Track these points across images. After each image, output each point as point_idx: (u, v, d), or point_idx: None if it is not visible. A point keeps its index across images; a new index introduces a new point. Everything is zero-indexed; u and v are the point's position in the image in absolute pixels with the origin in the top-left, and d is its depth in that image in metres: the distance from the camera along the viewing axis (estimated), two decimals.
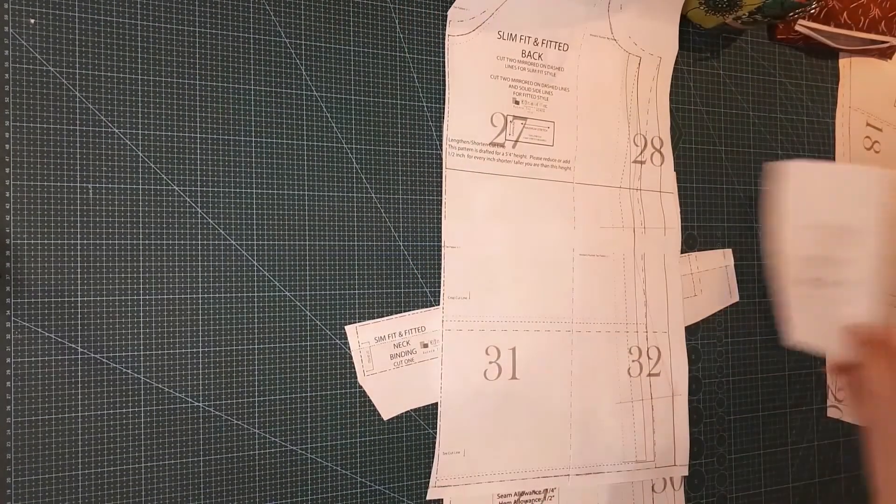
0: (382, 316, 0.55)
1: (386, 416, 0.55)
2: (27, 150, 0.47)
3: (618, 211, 0.63)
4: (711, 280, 0.67)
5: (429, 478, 0.56)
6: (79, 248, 0.48)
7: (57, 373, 0.47)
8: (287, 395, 0.53)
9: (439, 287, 0.57)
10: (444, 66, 0.58)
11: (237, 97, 0.52)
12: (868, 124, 0.77)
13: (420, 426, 0.56)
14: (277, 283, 0.52)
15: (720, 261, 0.68)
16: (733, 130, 0.69)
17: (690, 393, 0.65)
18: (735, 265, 0.68)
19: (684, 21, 0.66)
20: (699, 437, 0.66)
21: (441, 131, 0.57)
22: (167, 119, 0.50)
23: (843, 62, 0.75)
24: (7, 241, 0.46)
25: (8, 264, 0.46)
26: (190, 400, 0.50)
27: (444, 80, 0.58)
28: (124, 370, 0.48)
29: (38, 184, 0.47)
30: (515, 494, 0.59)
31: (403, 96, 0.57)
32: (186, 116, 0.51)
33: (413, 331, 0.56)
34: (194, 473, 0.50)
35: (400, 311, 0.56)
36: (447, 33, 0.58)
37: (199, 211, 0.51)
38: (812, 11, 0.67)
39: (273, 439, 0.52)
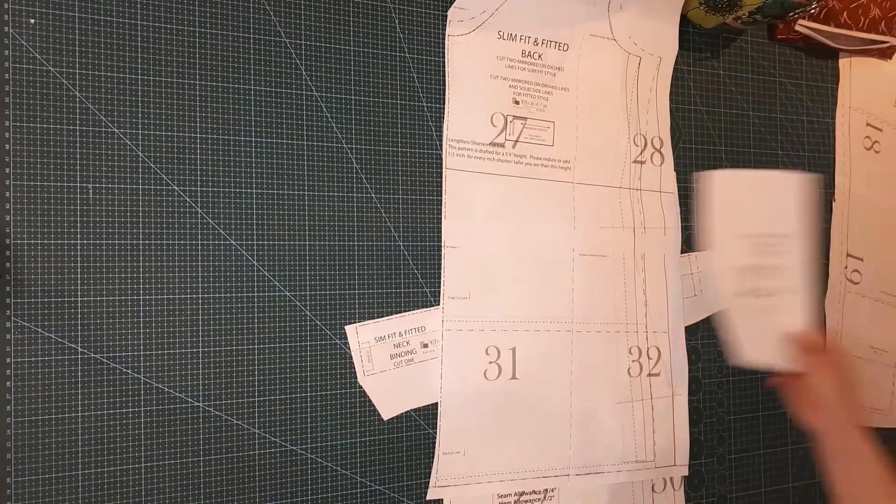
0: (382, 316, 0.55)
1: (386, 416, 0.55)
2: (27, 150, 0.47)
3: (618, 211, 0.63)
4: (711, 280, 0.67)
5: (429, 478, 0.56)
6: (79, 248, 0.48)
7: (57, 373, 0.47)
8: (287, 395, 0.53)
9: (439, 287, 0.57)
10: (444, 66, 0.58)
11: (237, 97, 0.52)
12: (868, 124, 0.77)
13: (420, 426, 0.56)
14: (277, 283, 0.52)
15: None
16: (733, 130, 0.69)
17: (690, 393, 0.65)
18: None
19: (684, 21, 0.66)
20: (699, 437, 0.66)
21: (441, 131, 0.57)
22: (167, 119, 0.50)
23: (843, 62, 0.75)
24: (7, 241, 0.46)
25: (8, 264, 0.46)
26: (190, 400, 0.50)
27: (444, 80, 0.58)
28: (124, 370, 0.48)
29: (38, 184, 0.47)
30: (515, 494, 0.59)
31: (403, 96, 0.57)
32: (186, 116, 0.50)
33: (413, 331, 0.56)
34: (194, 473, 0.50)
35: (400, 311, 0.56)
36: (447, 33, 0.58)
37: (199, 211, 0.51)
38: (812, 11, 0.67)
39: (273, 439, 0.52)
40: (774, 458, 0.70)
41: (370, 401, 0.55)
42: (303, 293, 0.53)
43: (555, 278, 0.60)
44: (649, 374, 0.63)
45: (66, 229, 0.47)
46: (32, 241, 0.47)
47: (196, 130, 0.51)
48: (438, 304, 0.57)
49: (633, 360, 0.63)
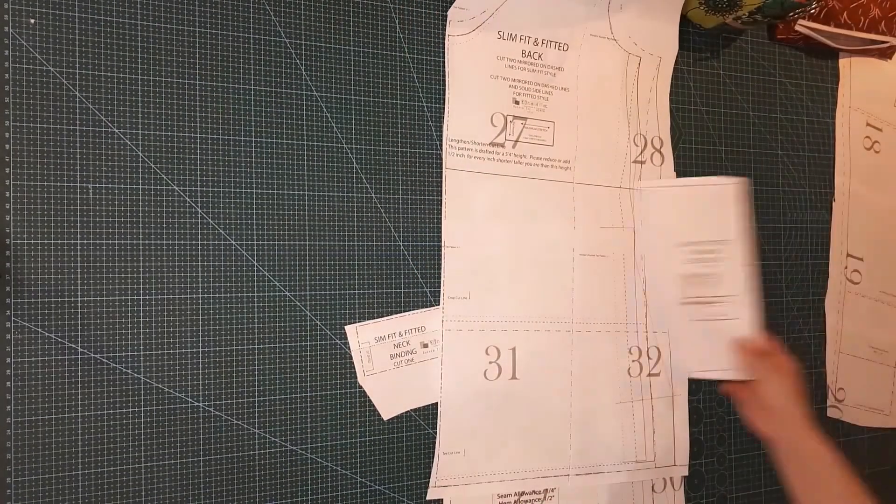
0: (382, 316, 0.55)
1: (386, 416, 0.55)
2: (27, 150, 0.47)
3: (618, 211, 0.63)
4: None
5: (429, 478, 0.56)
6: (79, 248, 0.48)
7: (57, 373, 0.47)
8: (287, 395, 0.53)
9: (439, 287, 0.57)
10: (444, 66, 0.58)
11: (237, 97, 0.52)
12: (868, 124, 0.77)
13: (420, 426, 0.56)
14: (277, 283, 0.52)
15: None
16: (733, 130, 0.69)
17: (690, 393, 0.65)
18: None
19: (684, 21, 0.66)
20: (699, 437, 0.66)
21: (441, 131, 0.57)
22: (167, 119, 0.50)
23: (843, 62, 0.75)
24: (7, 241, 0.46)
25: (8, 264, 0.46)
26: (190, 400, 0.50)
27: (444, 80, 0.58)
28: (124, 370, 0.48)
29: (38, 184, 0.47)
30: (515, 494, 0.59)
31: (403, 96, 0.57)
32: (186, 116, 0.50)
33: (413, 331, 0.56)
34: (194, 473, 0.50)
35: (400, 311, 0.56)
36: (447, 33, 0.58)
37: (199, 211, 0.51)
38: (812, 11, 0.67)
39: (273, 439, 0.52)
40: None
41: (370, 401, 0.55)
42: (303, 293, 0.53)
43: (555, 278, 0.60)
44: (649, 374, 0.63)
45: (66, 229, 0.47)
46: (32, 241, 0.47)
47: (196, 130, 0.51)
48: (438, 304, 0.57)
49: (633, 360, 0.63)
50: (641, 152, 0.64)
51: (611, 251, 0.62)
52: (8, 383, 0.46)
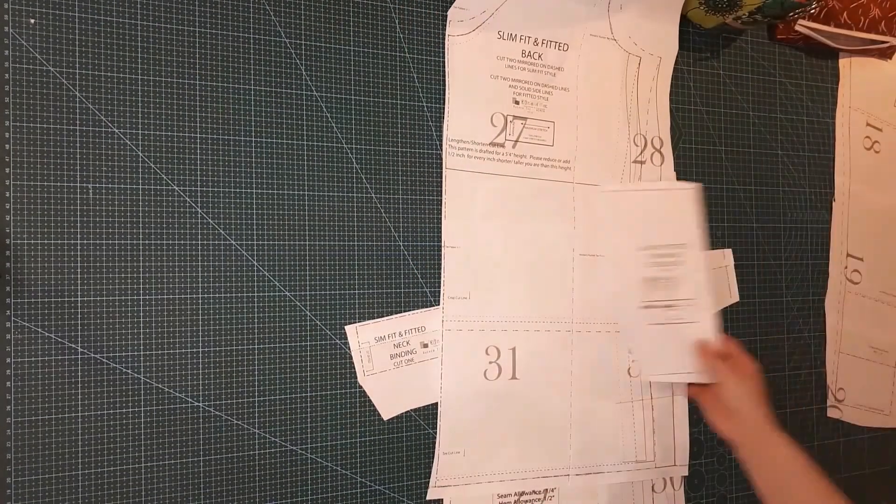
0: (382, 316, 0.55)
1: (386, 416, 0.55)
2: (27, 150, 0.47)
3: None
4: (711, 280, 0.67)
5: (429, 478, 0.56)
6: (79, 248, 0.48)
7: (57, 373, 0.47)
8: (287, 395, 0.53)
9: (439, 287, 0.57)
10: (444, 66, 0.58)
11: (237, 97, 0.52)
12: (868, 124, 0.77)
13: (420, 426, 0.56)
14: (277, 283, 0.52)
15: (720, 261, 0.68)
16: (733, 130, 0.69)
17: None
18: (735, 265, 0.68)
19: (684, 21, 0.66)
20: (699, 437, 0.66)
21: (441, 131, 0.57)
22: (167, 119, 0.50)
23: (843, 62, 0.75)
24: (7, 241, 0.46)
25: (8, 264, 0.46)
26: (190, 400, 0.50)
27: (444, 80, 0.58)
28: (124, 370, 0.48)
29: (38, 184, 0.47)
30: (515, 494, 0.59)
31: (403, 96, 0.57)
32: (186, 116, 0.50)
33: (413, 331, 0.56)
34: (194, 473, 0.50)
35: (400, 311, 0.56)
36: (447, 33, 0.58)
37: (199, 211, 0.51)
38: (812, 11, 0.67)
39: (273, 439, 0.52)
40: None
41: (370, 401, 0.55)
42: (303, 293, 0.53)
43: (555, 278, 0.60)
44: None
45: (66, 229, 0.47)
46: (32, 241, 0.47)
47: (196, 130, 0.51)
48: (438, 304, 0.57)
49: (632, 360, 0.62)
50: (641, 152, 0.64)
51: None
52: (8, 383, 0.46)
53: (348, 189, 0.55)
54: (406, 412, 0.56)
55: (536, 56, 0.60)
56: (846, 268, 0.74)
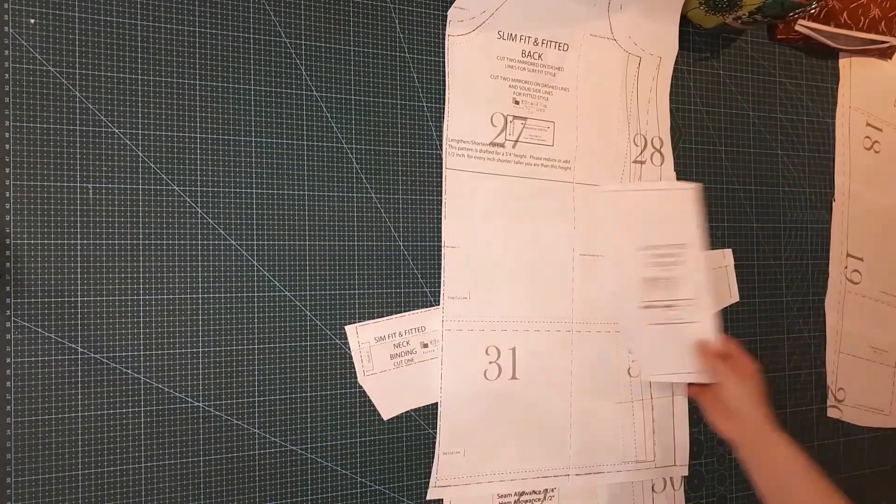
0: (382, 316, 0.55)
1: (386, 416, 0.55)
2: (27, 150, 0.47)
3: None
4: (711, 280, 0.67)
5: (429, 478, 0.56)
6: (79, 248, 0.48)
7: (57, 373, 0.47)
8: (287, 395, 0.53)
9: (439, 287, 0.57)
10: (444, 66, 0.58)
11: (237, 97, 0.52)
12: (868, 124, 0.77)
13: (420, 426, 0.56)
14: (277, 283, 0.52)
15: (720, 261, 0.68)
16: (733, 130, 0.69)
17: None
18: (735, 265, 0.68)
19: (684, 21, 0.66)
20: (699, 437, 0.66)
21: (441, 131, 0.57)
22: (167, 119, 0.50)
23: (843, 62, 0.75)
24: (7, 241, 0.46)
25: (8, 264, 0.46)
26: (190, 400, 0.50)
27: (444, 80, 0.58)
28: (124, 370, 0.48)
29: (38, 184, 0.47)
30: (515, 494, 0.59)
31: (403, 96, 0.57)
32: (186, 116, 0.50)
33: (413, 331, 0.56)
34: (194, 473, 0.50)
35: (400, 311, 0.56)
36: (447, 33, 0.58)
37: (199, 211, 0.51)
38: (812, 11, 0.67)
39: (273, 439, 0.52)
40: None
41: (370, 401, 0.55)
42: (303, 293, 0.53)
43: (555, 278, 0.60)
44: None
45: (66, 229, 0.47)
46: (32, 241, 0.47)
47: (196, 130, 0.51)
48: (438, 304, 0.57)
49: (632, 360, 0.62)
50: (641, 152, 0.64)
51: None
52: (8, 383, 0.46)
53: (348, 189, 0.55)
54: (406, 412, 0.56)
55: (536, 56, 0.60)
56: (846, 268, 0.74)
